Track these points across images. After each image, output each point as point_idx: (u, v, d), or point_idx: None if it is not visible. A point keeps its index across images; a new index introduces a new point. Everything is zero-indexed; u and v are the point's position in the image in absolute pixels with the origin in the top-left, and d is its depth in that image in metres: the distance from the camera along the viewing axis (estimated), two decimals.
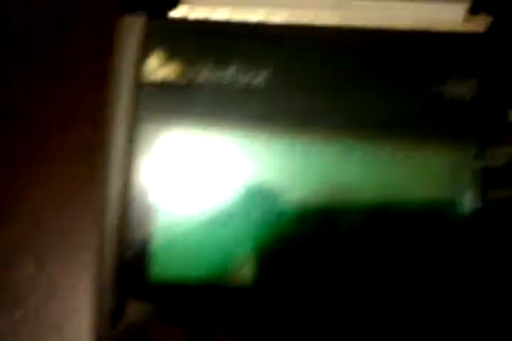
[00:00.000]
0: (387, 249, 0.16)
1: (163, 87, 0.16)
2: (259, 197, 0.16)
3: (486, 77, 0.17)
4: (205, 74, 0.16)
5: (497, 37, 0.17)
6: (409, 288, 0.16)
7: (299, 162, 0.16)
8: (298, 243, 0.16)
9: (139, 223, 0.16)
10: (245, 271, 0.16)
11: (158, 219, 0.16)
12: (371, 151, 0.16)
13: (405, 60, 0.17)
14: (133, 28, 0.16)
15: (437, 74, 0.16)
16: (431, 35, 0.17)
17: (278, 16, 0.17)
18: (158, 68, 0.16)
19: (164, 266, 0.16)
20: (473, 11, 0.18)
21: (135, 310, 0.16)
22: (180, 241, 0.16)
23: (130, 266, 0.16)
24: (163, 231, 0.16)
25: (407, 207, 0.16)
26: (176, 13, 0.17)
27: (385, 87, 0.17)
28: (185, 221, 0.16)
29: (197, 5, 0.17)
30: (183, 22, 0.17)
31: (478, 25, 0.17)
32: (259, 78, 0.16)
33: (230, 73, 0.16)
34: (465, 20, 0.18)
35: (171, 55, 0.16)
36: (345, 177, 0.16)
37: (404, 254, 0.16)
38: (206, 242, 0.16)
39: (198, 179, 0.17)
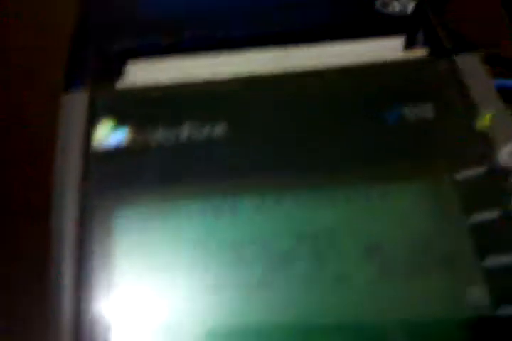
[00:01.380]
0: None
1: (116, 155, 0.15)
2: (236, 267, 0.15)
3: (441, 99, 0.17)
4: (159, 136, 0.16)
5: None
6: None
7: (272, 216, 0.15)
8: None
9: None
10: None
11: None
12: (345, 193, 0.16)
13: (360, 93, 0.17)
14: (77, 103, 0.16)
15: (396, 100, 0.16)
16: (379, 66, 0.17)
17: (223, 74, 0.17)
18: (107, 135, 0.15)
19: None
20: (409, 44, 0.19)
21: None
22: None
23: None
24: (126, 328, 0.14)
25: (397, 244, 0.15)
26: (121, 84, 0.17)
27: (347, 123, 0.16)
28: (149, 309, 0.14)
29: (142, 74, 0.17)
30: (130, 89, 0.16)
31: (420, 54, 0.18)
32: (216, 131, 0.16)
33: (185, 131, 0.16)
34: (404, 52, 0.18)
35: (120, 122, 0.16)
36: (325, 225, 0.15)
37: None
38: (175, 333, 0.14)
39: (165, 258, 0.14)
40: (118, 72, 0.17)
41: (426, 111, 0.16)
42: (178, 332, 0.14)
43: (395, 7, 0.19)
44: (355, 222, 0.15)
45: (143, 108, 0.16)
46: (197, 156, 0.15)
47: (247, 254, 0.15)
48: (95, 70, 0.17)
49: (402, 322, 0.14)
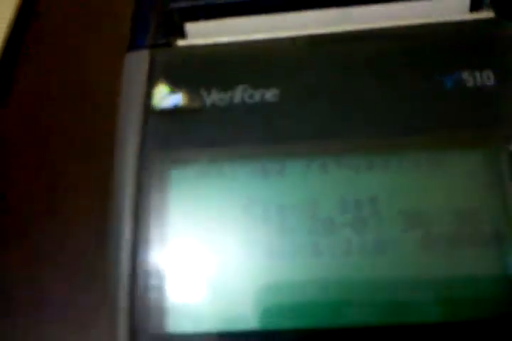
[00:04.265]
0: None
1: (173, 115, 0.16)
2: (283, 223, 0.15)
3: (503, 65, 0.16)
4: (214, 96, 0.16)
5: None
6: None
7: (318, 179, 0.16)
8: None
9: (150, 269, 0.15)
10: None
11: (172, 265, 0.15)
12: (395, 160, 0.16)
13: (420, 54, 0.16)
14: (138, 62, 0.17)
15: (456, 64, 0.16)
16: (441, 26, 0.16)
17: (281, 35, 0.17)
18: (165, 96, 0.16)
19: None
20: (475, 5, 0.18)
21: None
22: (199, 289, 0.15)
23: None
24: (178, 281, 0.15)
25: (438, 216, 0.15)
26: (181, 43, 0.17)
27: (402, 86, 0.16)
28: (201, 264, 0.15)
29: (202, 36, 0.17)
30: (187, 49, 0.17)
31: (486, 16, 0.17)
32: (270, 94, 0.16)
33: (239, 93, 0.16)
34: (469, 14, 0.18)
35: (178, 81, 0.16)
36: (370, 191, 0.15)
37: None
38: (225, 288, 0.15)
39: (217, 216, 0.15)
40: (178, 30, 0.17)
41: (486, 77, 0.16)
42: (226, 286, 0.15)
43: None
44: (402, 190, 0.15)
45: (200, 69, 0.16)
46: (249, 118, 0.16)
47: (292, 217, 0.15)
48: (157, 29, 0.17)
49: (444, 290, 0.14)
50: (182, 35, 0.17)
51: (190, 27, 0.17)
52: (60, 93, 0.24)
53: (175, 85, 0.16)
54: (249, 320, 0.14)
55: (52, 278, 0.20)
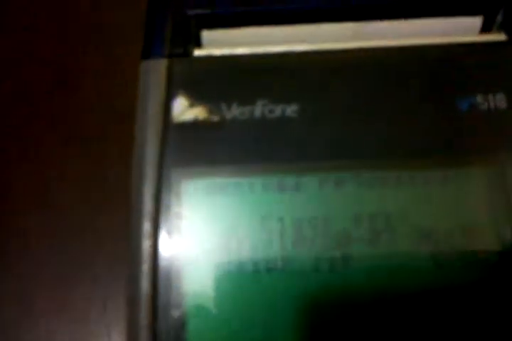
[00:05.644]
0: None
1: (192, 128, 0.16)
2: (295, 237, 0.15)
3: None
4: (234, 111, 0.16)
5: None
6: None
7: (333, 195, 0.16)
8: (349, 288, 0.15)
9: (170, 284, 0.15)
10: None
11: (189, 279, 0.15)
12: (407, 177, 0.16)
13: (434, 75, 0.16)
14: (155, 71, 0.16)
15: (469, 86, 0.16)
16: (455, 48, 0.17)
17: (299, 48, 0.17)
18: (185, 109, 0.16)
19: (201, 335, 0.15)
20: (486, 26, 0.18)
21: None
22: (216, 306, 0.15)
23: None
24: (196, 296, 0.15)
25: (450, 231, 0.16)
26: (198, 53, 0.17)
27: (416, 106, 0.16)
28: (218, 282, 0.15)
29: (218, 45, 0.17)
30: (206, 59, 0.16)
31: (497, 38, 0.17)
32: (290, 109, 0.16)
33: (259, 107, 0.16)
34: (480, 35, 0.18)
35: (198, 94, 0.16)
36: (383, 207, 0.16)
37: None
38: (245, 304, 0.15)
39: (232, 230, 0.15)
40: (195, 38, 0.17)
41: (499, 100, 0.16)
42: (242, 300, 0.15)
43: None
44: (414, 207, 0.16)
45: (220, 82, 0.16)
46: (269, 134, 0.16)
47: (306, 231, 0.15)
48: (173, 36, 0.17)
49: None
50: (198, 43, 0.17)
51: (206, 35, 0.17)
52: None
53: (195, 98, 0.16)
54: None
55: None
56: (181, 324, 0.15)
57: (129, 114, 0.16)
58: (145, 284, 0.15)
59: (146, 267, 0.15)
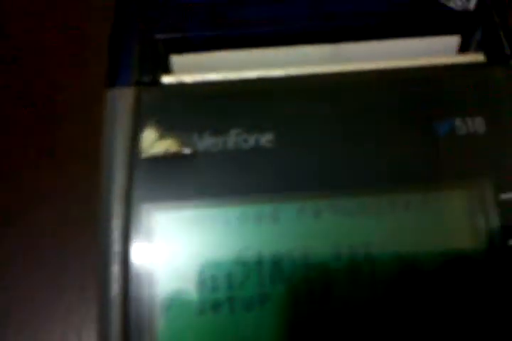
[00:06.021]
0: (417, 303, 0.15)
1: (163, 162, 0.15)
2: (274, 270, 0.15)
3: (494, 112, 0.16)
4: (207, 141, 0.15)
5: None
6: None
7: (311, 225, 0.15)
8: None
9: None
10: None
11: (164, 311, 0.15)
12: (386, 204, 0.16)
13: (412, 100, 0.16)
14: (122, 101, 0.15)
15: (447, 111, 0.16)
16: (432, 71, 0.16)
17: (274, 73, 0.16)
18: (154, 141, 0.15)
19: None
20: (464, 45, 0.18)
21: None
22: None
23: None
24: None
25: (431, 258, 0.15)
26: (167, 80, 0.16)
27: (395, 132, 0.16)
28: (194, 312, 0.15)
29: (188, 70, 0.16)
30: (176, 87, 0.16)
31: (475, 58, 0.17)
32: (265, 139, 0.15)
33: (233, 137, 0.15)
34: (458, 55, 0.17)
35: (168, 124, 0.15)
36: (363, 235, 0.15)
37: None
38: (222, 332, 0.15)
39: (204, 261, 0.15)
40: (164, 64, 0.16)
41: (478, 124, 0.16)
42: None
43: (458, 1, 0.17)
44: (394, 234, 0.15)
45: (191, 111, 0.15)
46: (243, 165, 0.15)
47: (285, 265, 0.15)
48: (141, 62, 0.16)
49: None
50: (167, 69, 0.16)
51: (176, 60, 0.16)
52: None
53: (165, 129, 0.15)
54: None
55: None
56: None
57: None
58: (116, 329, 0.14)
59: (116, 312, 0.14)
